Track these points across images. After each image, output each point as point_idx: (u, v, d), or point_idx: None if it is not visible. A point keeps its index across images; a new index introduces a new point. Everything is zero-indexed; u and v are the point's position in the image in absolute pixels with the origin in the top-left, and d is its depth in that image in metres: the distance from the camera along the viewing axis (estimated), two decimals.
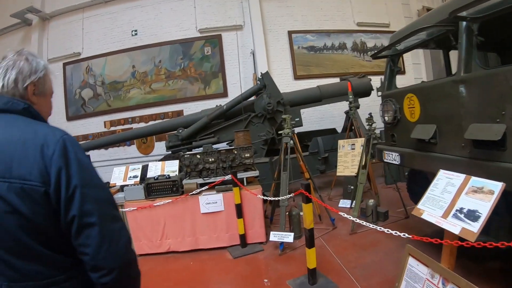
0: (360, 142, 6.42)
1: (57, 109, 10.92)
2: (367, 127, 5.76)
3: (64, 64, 11.22)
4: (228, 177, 4.69)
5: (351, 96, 7.21)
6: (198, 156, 4.87)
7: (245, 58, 10.78)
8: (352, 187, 6.46)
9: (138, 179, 5.58)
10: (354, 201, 5.94)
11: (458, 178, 2.54)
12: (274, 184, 6.01)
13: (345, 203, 6.38)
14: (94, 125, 11.11)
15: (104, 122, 11.11)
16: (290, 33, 11.20)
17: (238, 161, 4.83)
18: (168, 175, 5.02)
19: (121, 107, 11.01)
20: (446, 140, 3.21)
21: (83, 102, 11.14)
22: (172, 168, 5.50)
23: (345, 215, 3.57)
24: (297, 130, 7.75)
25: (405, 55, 11.97)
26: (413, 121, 3.66)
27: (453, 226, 2.29)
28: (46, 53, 11.22)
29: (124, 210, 4.96)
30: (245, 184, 4.88)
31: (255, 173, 4.95)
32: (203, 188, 4.78)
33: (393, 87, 4.31)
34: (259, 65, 10.34)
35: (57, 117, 10.96)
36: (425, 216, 2.58)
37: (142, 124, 10.52)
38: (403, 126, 3.85)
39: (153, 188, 4.96)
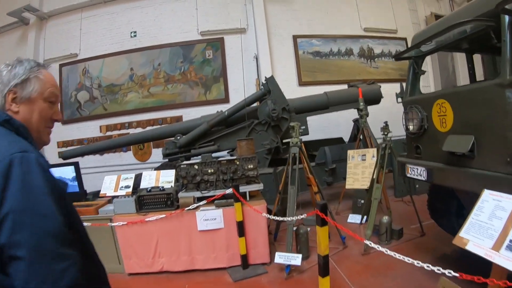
0: (371, 152, 5.96)
1: None
2: (382, 137, 5.30)
3: (61, 66, 10.85)
4: (229, 190, 4.20)
5: (362, 103, 6.76)
6: (196, 167, 4.39)
7: (248, 62, 10.36)
8: (362, 201, 6.05)
9: (130, 189, 5.14)
10: (365, 217, 5.52)
11: (509, 200, 2.08)
12: (279, 197, 5.57)
13: (354, 218, 5.94)
14: (89, 130, 10.73)
15: (100, 127, 10.71)
16: (295, 37, 10.81)
17: (241, 173, 4.35)
18: (162, 187, 4.54)
19: (118, 111, 10.61)
20: (487, 154, 2.72)
21: (78, 105, 10.77)
22: (167, 178, 5.03)
23: (356, 233, 3.09)
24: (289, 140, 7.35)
25: None
26: (444, 131, 3.17)
27: (509, 261, 1.85)
28: (42, 53, 10.89)
29: (112, 224, 4.49)
30: (247, 198, 4.39)
31: (259, 186, 4.46)
32: (201, 203, 4.28)
33: (417, 92, 3.83)
34: (262, 70, 9.92)
35: None
36: (470, 248, 2.14)
37: (139, 130, 10.12)
38: (431, 136, 3.36)
39: (145, 201, 4.50)
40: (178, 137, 7.14)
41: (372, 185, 5.20)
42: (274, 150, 6.99)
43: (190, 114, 9.79)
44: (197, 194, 4.40)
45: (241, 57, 9.81)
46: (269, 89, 7.04)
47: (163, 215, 4.29)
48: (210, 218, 4.22)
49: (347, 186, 6.11)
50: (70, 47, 10.78)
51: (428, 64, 11.70)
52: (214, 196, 4.30)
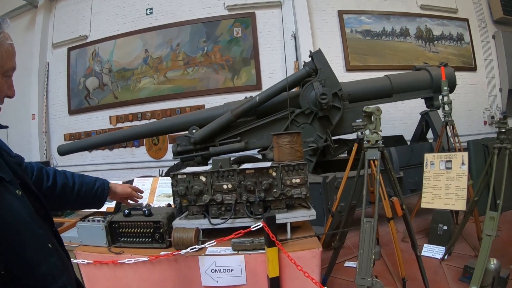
0: (460, 158, 4.01)
1: (59, 101, 10.07)
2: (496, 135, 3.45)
3: (69, 49, 10.01)
4: (258, 223, 2.38)
5: (445, 88, 4.79)
6: (203, 179, 2.58)
7: (285, 42, 8.69)
8: (445, 227, 4.23)
9: (113, 205, 3.55)
10: (448, 251, 3.81)
11: None
12: (331, 220, 3.88)
13: (431, 250, 4.12)
14: (98, 121, 9.67)
15: (110, 118, 9.53)
16: (340, 13, 9.21)
17: (279, 191, 2.49)
18: (148, 209, 2.77)
19: (129, 100, 9.36)
20: None
21: (87, 93, 9.72)
22: (168, 190, 3.49)
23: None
24: (346, 137, 5.73)
25: (477, 49, 9.96)
26: None
27: None
28: (51, 37, 10.16)
29: (75, 261, 2.76)
30: (288, 234, 2.54)
31: (310, 213, 2.59)
32: (208, 243, 2.46)
33: None
34: (302, 51, 8.32)
35: (59, 110, 10.04)
36: None
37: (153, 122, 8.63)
38: None
39: (121, 232, 2.77)
40: (194, 131, 5.45)
41: (471, 207, 3.59)
42: (321, 150, 5.16)
43: (214, 103, 8.32)
44: (204, 224, 2.60)
45: (276, 35, 8.53)
46: (315, 68, 5.24)
47: (145, 258, 2.52)
48: (223, 268, 2.42)
49: (424, 205, 4.18)
50: (79, 29, 10.04)
51: (492, 51, 10.22)
52: (232, 231, 2.48)
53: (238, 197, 2.54)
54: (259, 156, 5.84)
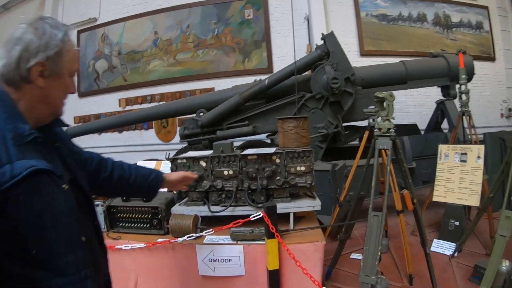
0: (476, 151, 3.79)
1: None
2: None
3: (79, 32, 9.70)
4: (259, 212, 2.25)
5: (463, 76, 4.52)
6: (203, 164, 2.45)
7: (298, 25, 8.38)
8: (456, 223, 3.98)
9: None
10: (459, 247, 3.62)
11: None
12: (338, 210, 3.69)
13: (441, 246, 3.88)
14: (108, 103, 9.43)
15: (119, 100, 9.31)
16: None
17: (283, 179, 2.35)
18: None
19: (139, 83, 9.12)
20: None
21: (96, 76, 9.50)
22: None
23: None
24: (358, 123, 5.52)
25: (496, 38, 9.53)
26: None
27: None
28: (60, 20, 8.98)
29: None
30: (291, 224, 2.40)
31: (314, 204, 2.45)
32: (208, 231, 2.34)
33: None
34: (315, 34, 7.82)
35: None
36: None
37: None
38: None
39: (120, 217, 2.69)
40: (201, 114, 5.32)
41: (486, 204, 3.35)
42: (332, 136, 4.99)
43: (224, 86, 8.00)
44: (203, 211, 2.48)
45: (288, 18, 7.98)
46: (327, 51, 5.03)
47: (142, 245, 2.43)
48: (221, 258, 2.30)
49: (436, 198, 3.97)
50: (88, 12, 9.66)
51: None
52: (233, 219, 2.36)
53: (240, 184, 2.41)
54: (269, 141, 5.69)
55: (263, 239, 2.18)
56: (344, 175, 4.21)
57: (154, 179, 1.91)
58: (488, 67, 9.05)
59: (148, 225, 2.67)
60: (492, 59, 9.33)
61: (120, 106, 9.24)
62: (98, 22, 9.52)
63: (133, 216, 2.69)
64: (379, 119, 2.51)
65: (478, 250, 3.67)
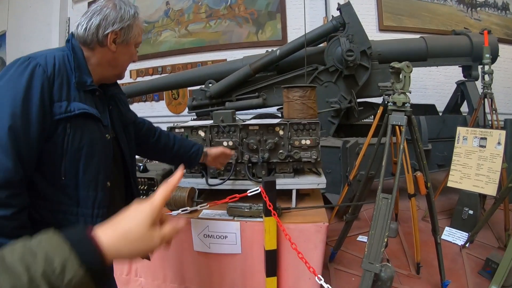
0: (496, 137, 3.54)
1: None
2: None
3: (89, 3, 9.24)
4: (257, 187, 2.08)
5: (487, 55, 4.20)
6: (202, 134, 2.29)
7: None
8: (470, 212, 3.75)
9: None
10: (471, 238, 3.45)
11: None
12: (347, 189, 3.52)
13: (453, 234, 3.69)
14: None
15: (130, 72, 9.03)
16: None
17: (286, 152, 2.17)
18: (143, 165, 2.53)
19: (150, 54, 8.86)
20: None
21: None
22: None
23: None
24: (373, 100, 5.29)
25: None
26: None
27: None
28: None
29: None
30: (293, 202, 2.24)
31: (319, 181, 2.27)
32: (204, 205, 2.19)
33: None
34: (332, 6, 7.48)
35: None
36: None
37: None
38: None
39: None
40: (210, 84, 5.12)
41: (504, 194, 3.11)
42: (345, 112, 4.76)
43: (236, 58, 7.75)
44: (201, 183, 2.33)
45: None
46: (343, 22, 4.74)
47: None
48: (216, 234, 2.15)
49: (450, 184, 3.76)
50: None
51: None
52: (233, 193, 2.20)
53: (240, 157, 2.24)
54: (280, 114, 5.49)
55: (261, 217, 2.02)
56: (355, 153, 4.00)
57: (195, 151, 2.02)
58: None
59: (144, 196, 2.54)
60: None
61: (131, 77, 9.01)
62: None
63: None
64: (394, 94, 2.29)
65: (491, 242, 3.49)
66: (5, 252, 0.59)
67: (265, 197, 1.85)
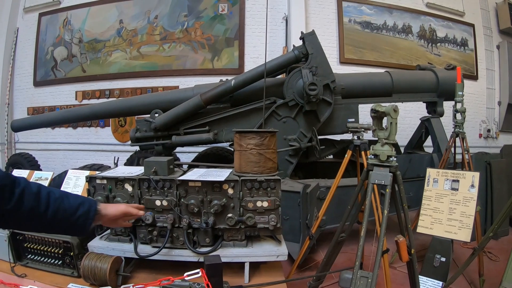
0: (470, 178, 3.31)
1: (25, 71, 9.18)
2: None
3: (40, 15, 9.05)
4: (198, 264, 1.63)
5: (460, 93, 4.01)
6: (129, 188, 1.81)
7: (275, 24, 7.94)
8: (443, 259, 3.45)
9: None
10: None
11: None
12: (308, 242, 3.29)
13: (424, 283, 3.35)
14: (64, 95, 8.73)
15: (76, 93, 8.59)
16: None
17: (236, 217, 1.73)
18: None
19: (98, 75, 8.42)
20: None
21: (54, 64, 8.79)
22: None
23: None
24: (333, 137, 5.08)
25: (479, 58, 9.37)
26: None
27: None
28: (23, 0, 9.16)
29: None
30: (246, 277, 1.79)
31: (279, 252, 1.84)
32: (128, 287, 1.69)
33: None
34: (293, 36, 7.35)
35: (24, 81, 9.13)
36: None
37: None
38: None
39: (28, 247, 2.06)
40: (156, 114, 4.65)
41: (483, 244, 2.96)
42: (304, 150, 4.42)
43: (189, 85, 7.36)
44: (128, 251, 1.83)
45: (265, 16, 7.30)
46: (306, 52, 4.46)
47: None
48: None
49: (420, 229, 3.46)
50: None
51: (495, 61, 9.73)
52: (171, 264, 1.72)
53: (177, 220, 1.77)
54: (233, 149, 5.07)
55: None
56: (317, 197, 3.64)
57: (83, 215, 1.43)
58: (470, 86, 8.94)
59: (60, 262, 2.01)
60: (474, 77, 9.30)
61: (76, 99, 8.54)
62: (61, 5, 8.89)
63: (43, 248, 2.04)
64: (377, 146, 1.88)
65: None
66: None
67: (207, 285, 1.39)
